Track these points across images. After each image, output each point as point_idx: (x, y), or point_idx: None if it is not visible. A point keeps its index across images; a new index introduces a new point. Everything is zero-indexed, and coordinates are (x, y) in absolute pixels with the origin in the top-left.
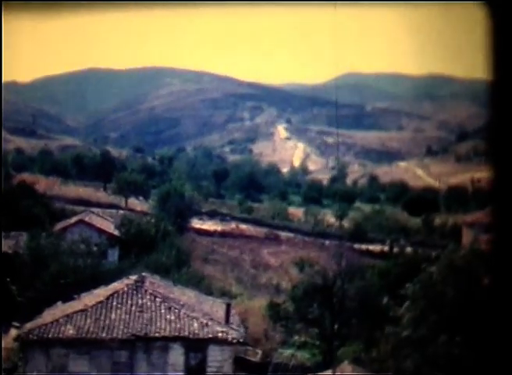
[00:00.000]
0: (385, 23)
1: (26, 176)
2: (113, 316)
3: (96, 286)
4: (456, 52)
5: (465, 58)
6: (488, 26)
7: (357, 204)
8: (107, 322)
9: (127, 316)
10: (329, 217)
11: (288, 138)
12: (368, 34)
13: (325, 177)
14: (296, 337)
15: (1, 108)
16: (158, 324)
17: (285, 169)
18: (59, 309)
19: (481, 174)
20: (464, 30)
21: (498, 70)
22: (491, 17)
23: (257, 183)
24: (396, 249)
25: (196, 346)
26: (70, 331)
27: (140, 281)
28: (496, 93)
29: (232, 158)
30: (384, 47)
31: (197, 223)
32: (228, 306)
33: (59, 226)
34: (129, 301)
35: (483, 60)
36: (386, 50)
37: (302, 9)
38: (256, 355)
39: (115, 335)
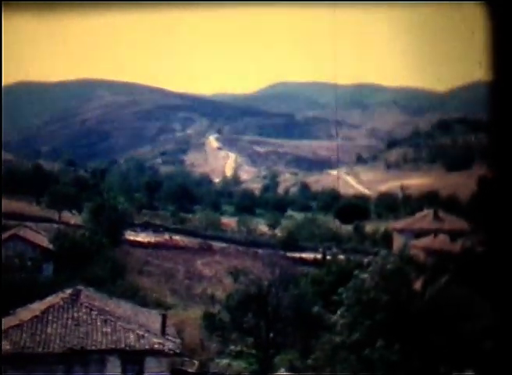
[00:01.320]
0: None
1: None
2: (49, 330)
3: (31, 300)
4: (456, 52)
5: (465, 58)
6: (488, 26)
7: (289, 212)
8: (43, 336)
9: (63, 330)
10: (262, 226)
11: (219, 148)
12: (300, 44)
13: (256, 187)
14: (232, 347)
15: (1, 109)
16: (95, 337)
17: (217, 179)
18: None
19: (410, 181)
20: (463, 30)
21: (498, 70)
22: (491, 17)
23: (189, 193)
24: (328, 257)
25: (133, 358)
26: (6, 347)
27: (76, 295)
28: (496, 93)
29: (165, 169)
30: (320, 55)
31: (130, 235)
32: (164, 317)
33: None
34: (65, 315)
35: (483, 60)
36: (322, 59)
37: (235, 18)
38: (193, 366)
39: (51, 349)
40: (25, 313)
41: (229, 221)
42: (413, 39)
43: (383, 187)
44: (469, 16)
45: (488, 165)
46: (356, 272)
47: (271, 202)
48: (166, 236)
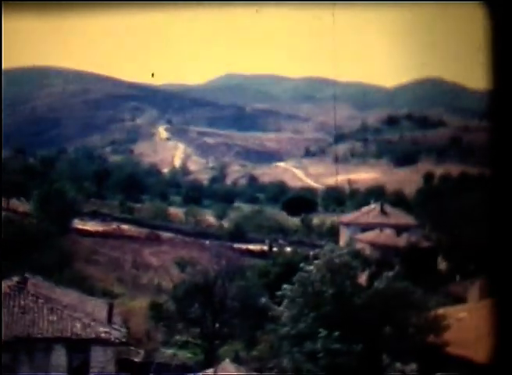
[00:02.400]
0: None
1: None
2: None
3: None
4: (455, 52)
5: (464, 58)
6: (488, 26)
7: (237, 204)
8: None
9: (9, 318)
10: (209, 217)
11: (168, 139)
12: (251, 37)
13: (205, 178)
14: (177, 337)
15: (1, 106)
16: (41, 325)
17: (165, 170)
18: None
19: (357, 175)
20: (462, 30)
21: (498, 70)
22: (490, 17)
23: (137, 183)
24: (275, 249)
25: (79, 347)
26: None
27: (22, 283)
28: (496, 93)
29: (114, 158)
30: (265, 49)
31: (78, 224)
32: (110, 306)
33: None
34: (11, 303)
35: (482, 60)
36: (267, 52)
37: (189, 12)
38: (138, 355)
39: None
40: None
41: (177, 211)
42: (413, 39)
43: (331, 181)
44: (469, 16)
45: (488, 165)
46: (302, 264)
47: (219, 194)
48: (114, 225)
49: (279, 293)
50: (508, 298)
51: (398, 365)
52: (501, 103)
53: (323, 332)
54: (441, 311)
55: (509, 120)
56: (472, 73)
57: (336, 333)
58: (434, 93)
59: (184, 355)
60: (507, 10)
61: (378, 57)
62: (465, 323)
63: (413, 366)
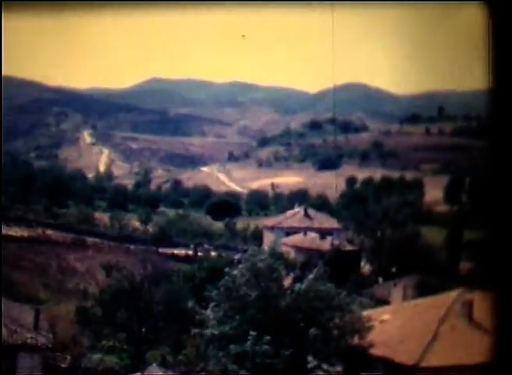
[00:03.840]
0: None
1: None
2: None
3: None
4: (454, 53)
5: (463, 58)
6: (488, 26)
7: (162, 208)
8: None
9: None
10: (134, 222)
11: (93, 144)
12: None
13: (129, 182)
14: (104, 342)
15: (1, 106)
16: None
17: (90, 175)
18: None
19: (281, 179)
20: (463, 30)
21: (498, 70)
22: (491, 17)
23: (62, 188)
24: (200, 253)
25: (5, 353)
26: None
27: None
28: (496, 93)
29: (38, 163)
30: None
31: (3, 229)
32: (37, 312)
33: None
34: None
35: (482, 60)
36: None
37: (113, 16)
38: (65, 361)
39: None
40: None
41: (102, 216)
42: (412, 39)
43: (254, 185)
44: (469, 16)
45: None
46: (227, 269)
47: (143, 198)
48: (39, 230)
49: (206, 294)
50: (507, 294)
51: (324, 366)
52: (501, 103)
53: (252, 335)
54: (365, 313)
55: (509, 120)
56: (472, 74)
57: (266, 337)
58: (356, 97)
59: (111, 360)
60: (507, 10)
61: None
62: (388, 325)
63: (338, 368)
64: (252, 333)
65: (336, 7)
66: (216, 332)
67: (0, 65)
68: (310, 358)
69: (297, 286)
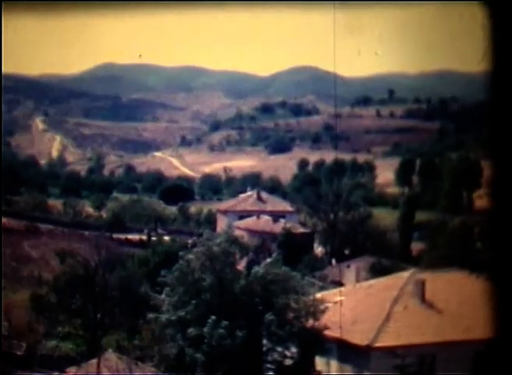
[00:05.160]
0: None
1: None
2: None
3: None
4: (454, 53)
5: (463, 58)
6: (488, 26)
7: (115, 194)
8: None
9: None
10: (88, 208)
11: (46, 130)
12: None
13: (82, 168)
14: (59, 328)
15: (1, 105)
16: None
17: (43, 161)
18: None
19: (233, 163)
20: (463, 30)
21: (498, 70)
22: (491, 17)
23: (15, 175)
24: (154, 238)
25: None
26: None
27: None
28: (496, 92)
29: None
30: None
31: None
32: None
33: None
34: None
35: (482, 60)
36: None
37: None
38: (20, 348)
39: None
40: None
41: (56, 203)
42: (412, 39)
43: (207, 169)
44: (469, 16)
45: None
46: (181, 253)
47: (96, 184)
48: None
49: (161, 279)
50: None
51: (279, 349)
52: (501, 103)
53: (211, 319)
54: (318, 295)
55: (509, 120)
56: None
57: (224, 322)
58: (307, 81)
59: (67, 347)
60: (507, 10)
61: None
62: (342, 306)
63: (293, 350)
64: (212, 317)
65: None
66: (172, 317)
67: (0, 64)
68: (265, 341)
69: (253, 269)
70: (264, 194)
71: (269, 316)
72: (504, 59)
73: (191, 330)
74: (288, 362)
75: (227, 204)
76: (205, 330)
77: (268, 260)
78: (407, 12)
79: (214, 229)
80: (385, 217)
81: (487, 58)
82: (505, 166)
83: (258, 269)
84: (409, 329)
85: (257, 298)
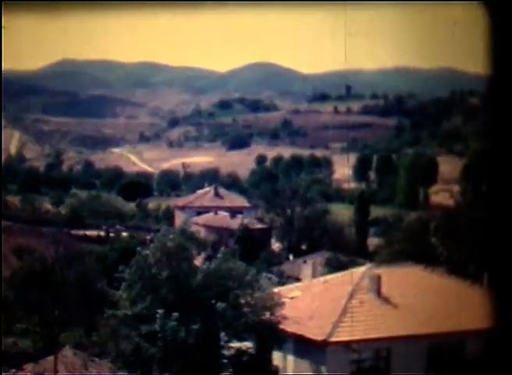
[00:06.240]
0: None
1: None
2: None
3: None
4: (455, 52)
5: (464, 58)
6: (488, 26)
7: (74, 190)
8: None
9: None
10: (47, 204)
11: (4, 127)
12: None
13: (41, 165)
14: (17, 325)
15: (2, 106)
16: None
17: (1, 158)
18: None
19: (191, 159)
20: (463, 30)
21: (497, 70)
22: (490, 17)
23: None
24: (112, 234)
25: None
26: None
27: None
28: (495, 91)
29: None
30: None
31: None
32: None
33: None
34: None
35: (482, 60)
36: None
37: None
38: None
39: None
40: None
41: (14, 199)
42: (412, 39)
43: (165, 165)
44: (469, 16)
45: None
46: (139, 248)
47: (55, 180)
48: None
49: (118, 275)
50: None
51: (235, 343)
52: (501, 103)
53: (161, 312)
54: (275, 290)
55: (508, 119)
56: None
57: (175, 314)
58: (265, 77)
59: (25, 343)
60: (507, 10)
61: None
62: (299, 301)
63: (249, 344)
64: (159, 311)
65: None
66: (129, 312)
67: (0, 64)
68: (221, 335)
69: (206, 264)
70: (221, 190)
71: (223, 309)
72: (504, 59)
73: (146, 326)
74: (245, 357)
75: (185, 200)
76: (156, 324)
77: (219, 255)
78: (374, 11)
79: (172, 225)
80: (342, 213)
81: (486, 58)
82: (504, 166)
83: (213, 264)
84: (365, 323)
85: (212, 293)
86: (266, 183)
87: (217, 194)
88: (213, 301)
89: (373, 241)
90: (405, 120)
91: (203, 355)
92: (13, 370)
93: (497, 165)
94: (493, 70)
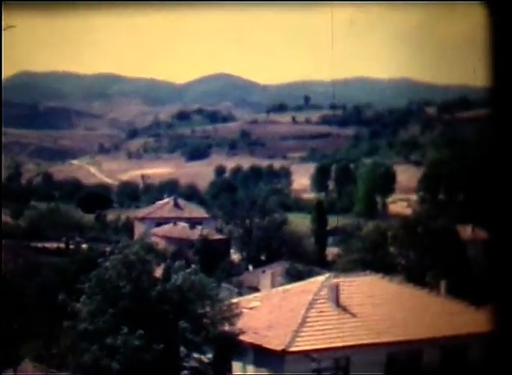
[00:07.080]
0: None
1: None
2: None
3: None
4: (455, 53)
5: (464, 58)
6: (488, 26)
7: (33, 202)
8: None
9: None
10: (6, 217)
11: None
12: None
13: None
14: None
15: (1, 106)
16: None
17: None
18: None
19: (151, 170)
20: (463, 30)
21: (497, 70)
22: (491, 17)
23: None
24: (72, 246)
25: None
26: None
27: None
28: (495, 93)
29: None
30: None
31: None
32: None
33: None
34: None
35: (482, 60)
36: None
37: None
38: None
39: None
40: None
41: None
42: (412, 39)
43: (125, 177)
44: (469, 16)
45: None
46: (100, 260)
47: (14, 193)
48: None
49: (78, 287)
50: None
51: (195, 355)
52: (501, 103)
53: (124, 328)
54: (234, 300)
55: (508, 119)
56: (472, 74)
57: (139, 332)
58: (223, 88)
59: None
60: (507, 10)
61: None
62: (258, 312)
63: (209, 356)
64: (124, 327)
65: None
66: (89, 325)
67: (0, 64)
68: (181, 348)
69: (171, 277)
70: (181, 201)
71: (183, 324)
72: (504, 59)
73: (107, 340)
74: (205, 368)
75: (144, 211)
76: (119, 341)
77: (188, 271)
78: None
79: (131, 236)
80: (301, 222)
81: (486, 59)
82: (504, 170)
83: (176, 278)
84: (324, 333)
85: (172, 306)
86: (225, 194)
87: (176, 205)
88: (172, 316)
89: (332, 251)
90: (363, 130)
91: (164, 369)
92: None
93: (494, 172)
94: (493, 75)
